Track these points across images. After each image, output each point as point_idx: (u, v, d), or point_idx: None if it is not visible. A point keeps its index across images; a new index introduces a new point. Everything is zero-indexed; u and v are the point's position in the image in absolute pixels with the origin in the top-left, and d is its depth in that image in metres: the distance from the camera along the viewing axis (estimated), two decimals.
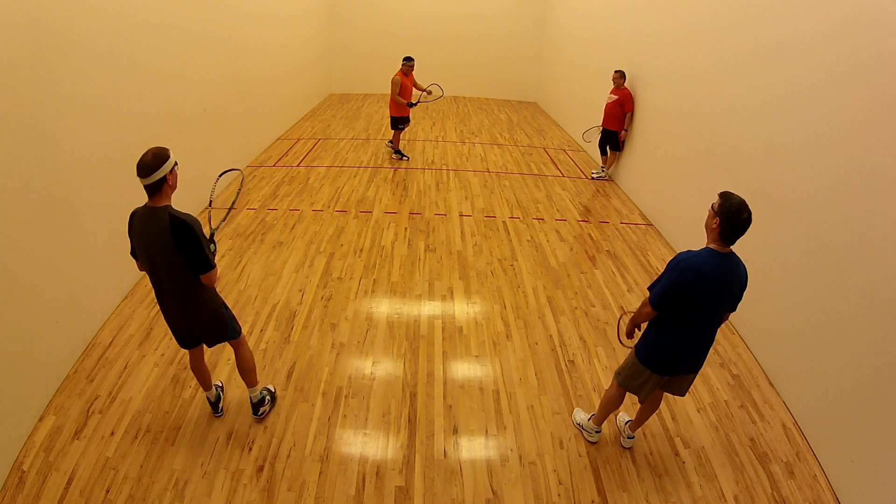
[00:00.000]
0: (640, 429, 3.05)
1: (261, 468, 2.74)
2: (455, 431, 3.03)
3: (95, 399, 3.12)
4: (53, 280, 3.17)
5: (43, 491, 2.57)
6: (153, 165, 2.28)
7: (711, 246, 2.41)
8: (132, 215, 2.44)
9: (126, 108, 4.03)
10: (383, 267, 4.71)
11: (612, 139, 6.97)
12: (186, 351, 3.48)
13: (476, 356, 3.65)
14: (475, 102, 12.38)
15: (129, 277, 4.18)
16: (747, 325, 3.93)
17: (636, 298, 4.39)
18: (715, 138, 4.57)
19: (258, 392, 3.03)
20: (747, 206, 2.29)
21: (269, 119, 8.15)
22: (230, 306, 4.01)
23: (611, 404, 2.91)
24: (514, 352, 3.70)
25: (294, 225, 5.43)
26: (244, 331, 3.73)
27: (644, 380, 2.63)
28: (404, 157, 7.70)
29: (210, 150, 5.82)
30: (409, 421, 3.08)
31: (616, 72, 6.72)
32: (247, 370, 2.96)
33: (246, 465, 2.75)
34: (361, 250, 4.97)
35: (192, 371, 2.95)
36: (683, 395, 2.76)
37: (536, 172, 7.52)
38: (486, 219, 5.81)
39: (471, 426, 3.07)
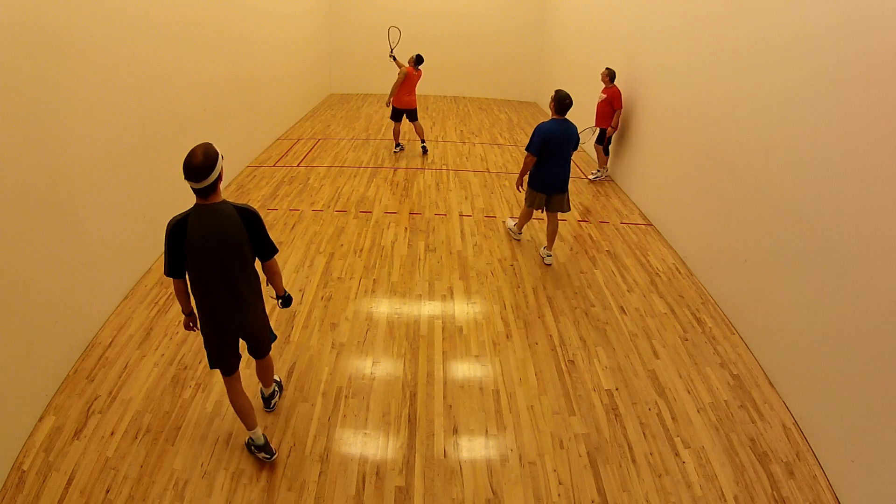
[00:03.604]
0: (640, 428, 3.09)
1: (261, 468, 2.74)
2: (455, 431, 3.03)
3: (95, 399, 3.12)
4: (53, 280, 3.17)
5: (43, 491, 2.57)
6: (208, 166, 2.17)
7: (554, 117, 4.48)
8: (179, 223, 2.26)
9: (126, 107, 4.04)
10: (383, 267, 4.71)
11: (600, 137, 6.98)
12: (186, 351, 3.50)
13: (476, 356, 3.65)
14: (475, 102, 12.38)
15: (129, 277, 4.19)
16: (747, 325, 3.93)
17: (636, 298, 4.39)
18: (715, 138, 4.57)
19: (271, 389, 3.08)
20: (569, 95, 4.41)
21: (269, 119, 8.15)
22: None
23: (523, 218, 5.10)
24: (514, 352, 3.70)
25: (294, 225, 5.43)
26: None
27: (535, 197, 4.70)
28: (397, 148, 7.85)
29: None
30: (409, 421, 3.09)
31: (606, 69, 6.70)
32: (270, 374, 2.98)
33: (246, 465, 2.75)
34: (361, 250, 4.98)
35: (237, 408, 2.67)
36: (564, 209, 4.74)
37: None
38: (485, 219, 5.81)
39: (471, 426, 3.08)
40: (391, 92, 7.37)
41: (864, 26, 2.91)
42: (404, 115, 7.61)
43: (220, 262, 2.34)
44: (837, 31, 3.12)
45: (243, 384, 2.78)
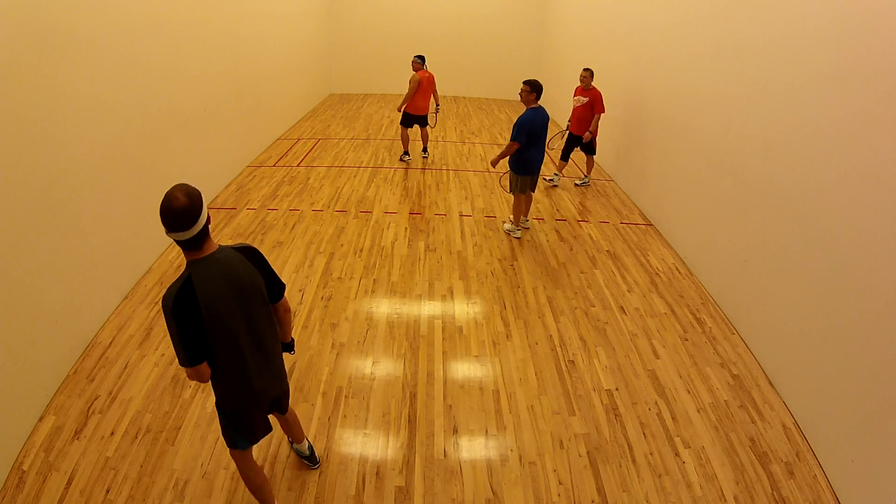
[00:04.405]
0: (640, 428, 3.10)
1: (261, 468, 2.73)
2: (455, 431, 3.03)
3: (95, 399, 3.12)
4: (53, 280, 3.17)
5: (43, 491, 2.57)
6: (194, 208, 1.73)
7: (532, 106, 4.83)
8: (183, 294, 1.78)
9: (126, 107, 4.04)
10: (383, 267, 4.71)
11: (587, 145, 6.59)
12: None
13: (476, 356, 3.65)
14: (475, 102, 12.38)
15: (129, 277, 4.19)
16: (747, 325, 3.93)
17: (636, 298, 4.39)
18: (715, 138, 4.57)
19: (306, 444, 2.72)
20: (538, 82, 4.81)
21: (269, 119, 8.15)
22: None
23: (518, 210, 5.32)
24: (514, 352, 3.70)
25: (294, 225, 5.43)
26: None
27: (524, 182, 5.09)
28: (406, 157, 7.63)
29: (210, 149, 5.82)
30: (409, 421, 3.09)
31: (585, 70, 6.30)
32: (296, 422, 2.62)
33: None
34: (361, 250, 4.98)
35: (254, 486, 2.32)
36: (533, 189, 5.23)
37: None
38: (486, 219, 5.82)
39: (471, 426, 3.08)
40: (404, 100, 7.16)
41: (865, 26, 2.91)
42: (415, 123, 7.39)
43: (246, 319, 1.96)
44: (838, 31, 3.12)
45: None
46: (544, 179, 6.96)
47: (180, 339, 1.81)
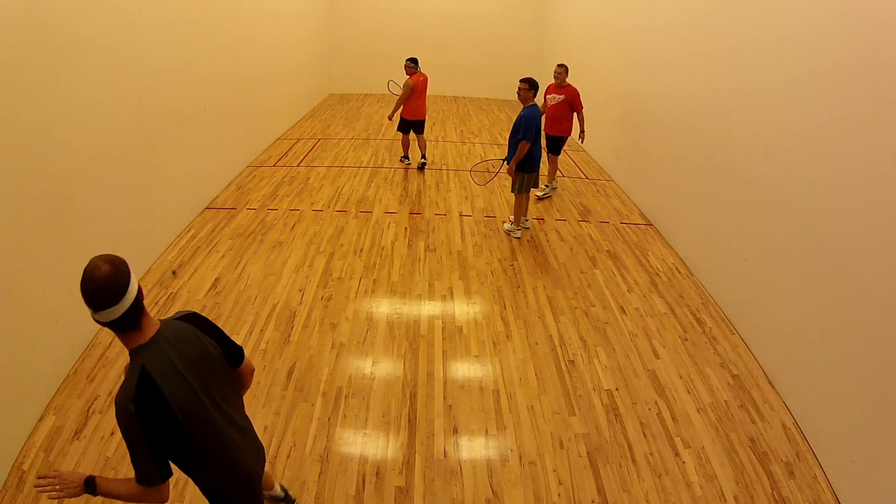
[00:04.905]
0: (640, 428, 3.10)
1: None
2: (455, 431, 3.03)
3: (95, 399, 3.12)
4: (53, 280, 3.17)
5: None
6: (122, 278, 1.42)
7: (530, 103, 4.97)
8: (143, 393, 1.44)
9: (127, 107, 4.04)
10: (383, 267, 4.71)
11: (557, 145, 6.33)
12: None
13: (476, 356, 3.66)
14: (475, 102, 12.38)
15: None
16: (747, 325, 3.93)
17: (636, 298, 4.39)
18: (715, 138, 4.57)
19: (278, 487, 2.51)
20: (535, 80, 5.01)
21: (269, 119, 8.15)
22: (230, 307, 4.06)
23: (519, 210, 5.35)
24: (514, 352, 3.70)
25: (294, 225, 5.43)
26: (243, 332, 3.75)
27: (529, 179, 5.18)
28: (405, 160, 7.53)
29: (210, 149, 5.82)
30: (409, 421, 3.09)
31: (559, 66, 6.04)
32: (268, 477, 2.40)
33: None
34: (361, 250, 4.98)
35: None
36: (537, 186, 5.36)
37: None
38: (485, 219, 5.82)
39: (471, 426, 3.08)
40: (395, 106, 7.01)
41: (865, 26, 2.91)
42: (412, 128, 7.23)
43: (216, 400, 1.65)
44: (838, 31, 3.12)
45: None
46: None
47: (150, 450, 1.43)
